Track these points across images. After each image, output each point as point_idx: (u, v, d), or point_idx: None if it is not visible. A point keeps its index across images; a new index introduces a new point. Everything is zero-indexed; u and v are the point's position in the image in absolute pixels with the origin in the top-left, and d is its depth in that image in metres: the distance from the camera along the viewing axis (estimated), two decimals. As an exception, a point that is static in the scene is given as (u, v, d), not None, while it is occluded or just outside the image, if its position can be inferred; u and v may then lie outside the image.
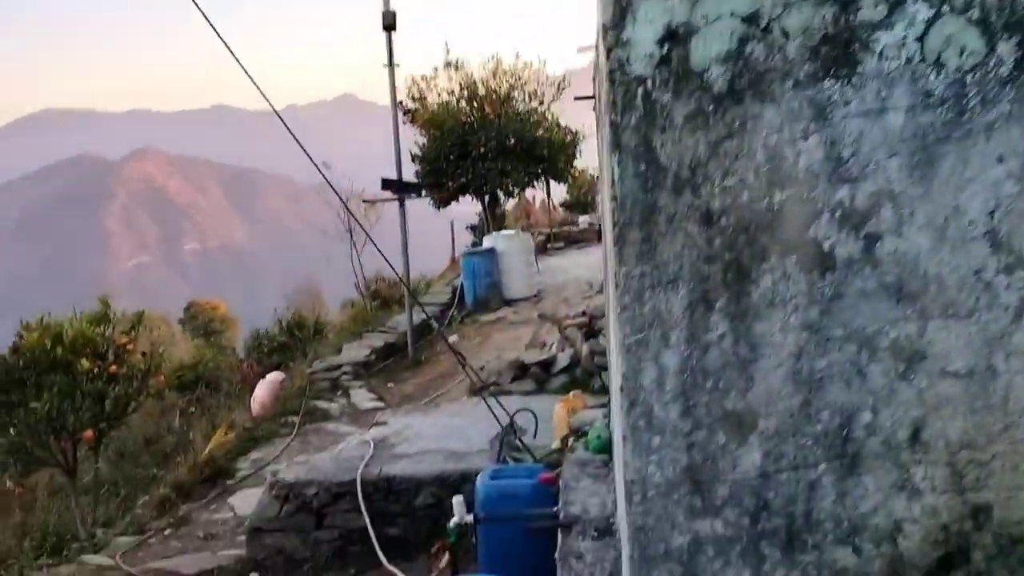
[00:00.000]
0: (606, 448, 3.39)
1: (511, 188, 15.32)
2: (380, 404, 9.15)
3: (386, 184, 10.55)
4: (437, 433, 7.61)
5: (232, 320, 42.18)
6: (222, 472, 6.88)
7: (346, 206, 16.22)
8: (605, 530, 2.58)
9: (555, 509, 3.11)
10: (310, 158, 4.76)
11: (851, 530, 1.62)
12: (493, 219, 15.47)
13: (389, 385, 10.09)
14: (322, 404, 9.16)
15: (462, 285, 14.46)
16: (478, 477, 3.78)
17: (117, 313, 8.47)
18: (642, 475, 1.59)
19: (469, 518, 3.10)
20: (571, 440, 3.64)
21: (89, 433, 7.56)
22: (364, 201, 10.26)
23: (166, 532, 5.62)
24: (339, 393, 9.73)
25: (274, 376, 10.92)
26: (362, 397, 9.45)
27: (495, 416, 5.00)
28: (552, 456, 4.47)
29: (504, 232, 15.41)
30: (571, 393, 4.98)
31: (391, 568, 4.29)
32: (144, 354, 8.35)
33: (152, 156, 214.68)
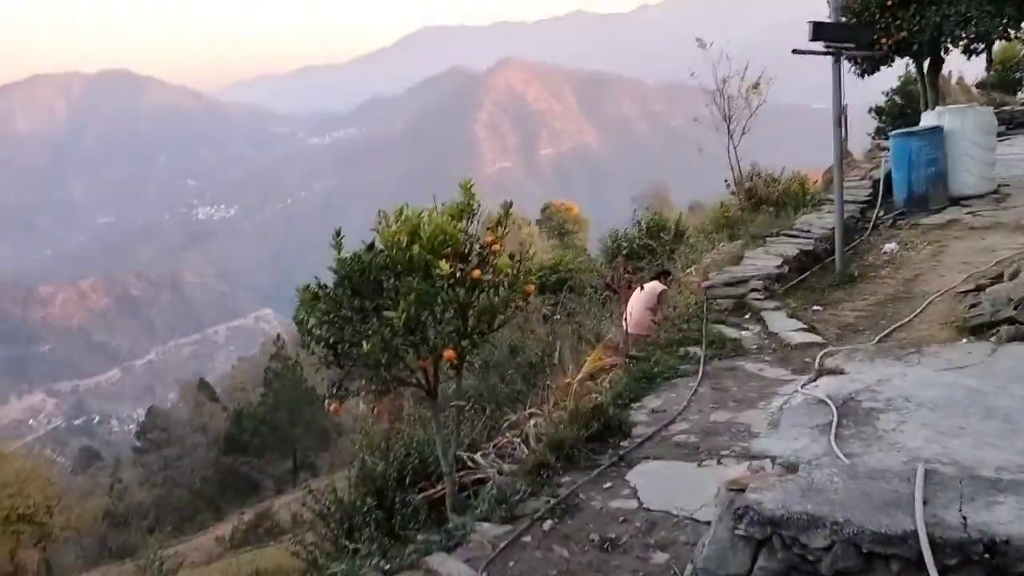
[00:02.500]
0: None
1: (973, 42, 11.05)
2: (813, 337, 6.54)
3: (818, 31, 7.51)
4: (939, 397, 4.76)
5: (583, 221, 42.60)
6: (612, 426, 4.88)
7: (720, 91, 13.46)
8: None
9: None
10: None
11: None
12: (934, 89, 11.46)
13: (815, 309, 7.40)
14: (729, 331, 6.81)
15: (885, 178, 11.16)
16: None
17: (482, 209, 6.91)
18: None
19: None
20: None
21: (450, 352, 6.06)
22: (794, 52, 7.36)
23: (544, 526, 3.74)
24: (748, 316, 7.29)
25: (652, 287, 8.79)
26: (783, 324, 6.90)
27: None
28: None
29: (954, 106, 11.47)
30: None
31: None
32: (512, 257, 6.65)
33: (514, 66, 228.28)
